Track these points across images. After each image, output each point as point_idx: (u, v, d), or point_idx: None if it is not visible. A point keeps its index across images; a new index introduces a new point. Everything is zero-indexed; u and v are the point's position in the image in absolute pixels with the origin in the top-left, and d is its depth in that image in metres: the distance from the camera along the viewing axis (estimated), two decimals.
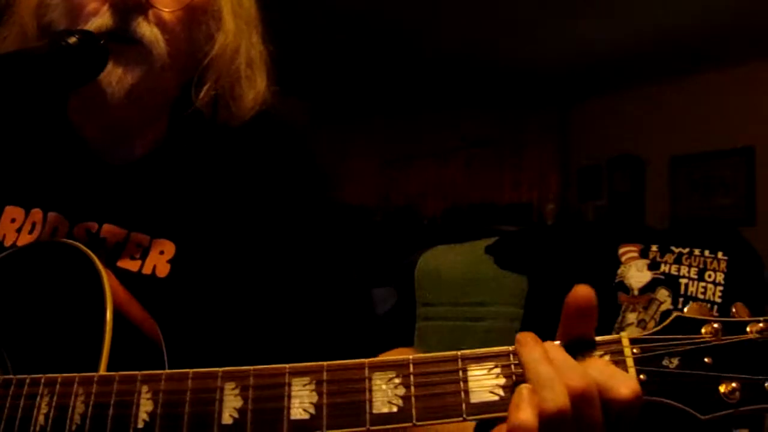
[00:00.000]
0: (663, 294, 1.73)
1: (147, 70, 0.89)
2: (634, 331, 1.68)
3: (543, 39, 5.47)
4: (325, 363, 0.66)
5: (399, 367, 0.64)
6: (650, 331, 0.63)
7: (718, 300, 1.70)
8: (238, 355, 0.92)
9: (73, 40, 0.82)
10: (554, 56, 5.83)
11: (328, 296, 0.96)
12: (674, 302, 1.72)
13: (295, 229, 0.98)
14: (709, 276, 1.73)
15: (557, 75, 6.39)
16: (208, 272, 0.93)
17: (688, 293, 1.72)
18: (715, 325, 0.62)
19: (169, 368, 0.82)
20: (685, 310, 0.64)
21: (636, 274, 1.77)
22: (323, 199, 1.03)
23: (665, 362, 0.62)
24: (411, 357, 0.65)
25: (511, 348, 0.64)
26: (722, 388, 0.60)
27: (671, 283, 1.74)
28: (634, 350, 0.63)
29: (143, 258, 0.93)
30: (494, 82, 6.57)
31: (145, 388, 0.68)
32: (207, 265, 0.93)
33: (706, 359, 0.61)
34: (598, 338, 0.64)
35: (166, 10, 0.90)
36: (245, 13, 1.01)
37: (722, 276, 1.72)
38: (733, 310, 0.63)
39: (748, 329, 0.61)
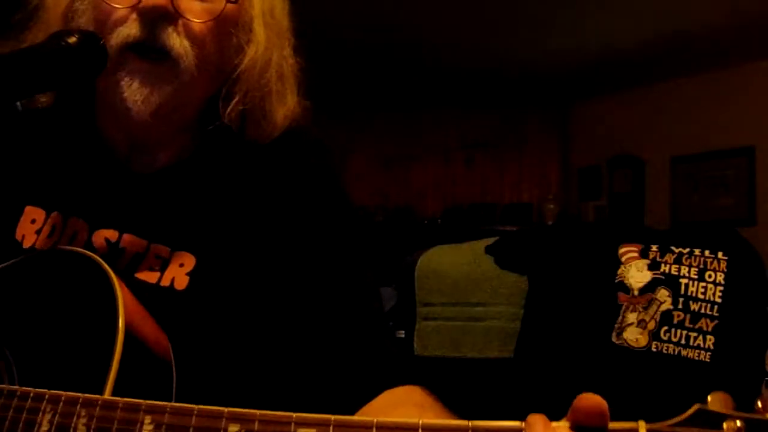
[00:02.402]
0: (663, 294, 1.73)
1: (175, 87, 0.87)
2: (634, 331, 1.68)
3: (543, 39, 5.46)
4: (332, 417, 0.64)
5: (407, 431, 0.63)
6: (670, 422, 0.60)
7: (719, 300, 1.70)
8: (251, 371, 0.91)
9: (72, 40, 0.81)
10: (554, 56, 5.83)
11: (348, 320, 0.94)
12: (674, 302, 1.72)
13: (317, 248, 0.96)
14: (710, 276, 1.72)
15: (557, 75, 6.38)
16: (227, 287, 0.92)
17: (689, 293, 1.72)
18: (738, 423, 0.58)
19: (177, 385, 0.82)
20: (709, 400, 0.60)
21: (636, 274, 1.77)
22: (346, 219, 1.01)
23: None
24: (420, 422, 0.63)
25: (523, 424, 0.61)
26: None
27: (671, 283, 1.74)
28: None
29: (162, 270, 0.91)
30: (494, 82, 6.57)
31: (148, 419, 0.68)
32: (226, 280, 0.92)
33: None
34: (612, 425, 0.61)
35: (196, 20, 0.87)
36: (276, 25, 0.97)
37: (722, 276, 1.72)
38: (759, 404, 0.59)
39: None
